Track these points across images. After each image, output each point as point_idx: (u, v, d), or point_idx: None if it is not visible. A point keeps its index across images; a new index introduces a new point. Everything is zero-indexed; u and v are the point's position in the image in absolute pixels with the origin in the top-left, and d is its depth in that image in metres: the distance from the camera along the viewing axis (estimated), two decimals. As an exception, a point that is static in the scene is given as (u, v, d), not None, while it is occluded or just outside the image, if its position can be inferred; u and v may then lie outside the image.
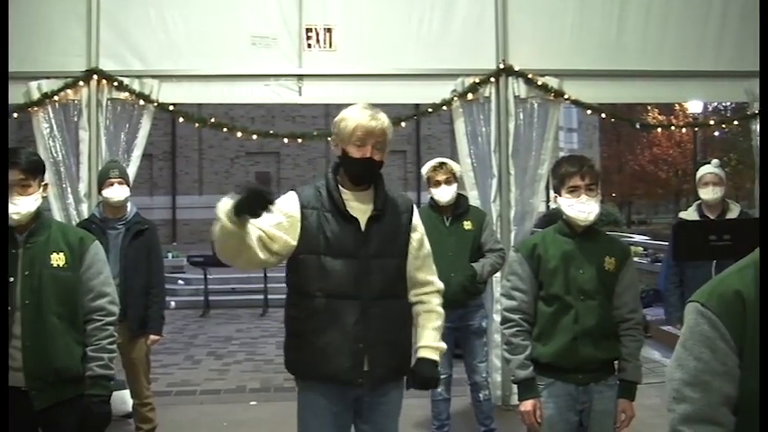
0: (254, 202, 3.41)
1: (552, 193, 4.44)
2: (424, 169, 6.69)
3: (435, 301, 4.15)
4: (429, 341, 4.06)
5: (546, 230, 4.54)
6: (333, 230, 3.82)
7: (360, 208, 3.89)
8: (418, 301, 4.09)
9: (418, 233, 4.06)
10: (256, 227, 3.67)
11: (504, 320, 4.43)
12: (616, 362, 4.39)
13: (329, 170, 3.97)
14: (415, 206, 4.12)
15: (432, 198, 6.64)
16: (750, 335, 2.13)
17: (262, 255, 3.73)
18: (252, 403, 8.72)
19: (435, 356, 4.06)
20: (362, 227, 3.85)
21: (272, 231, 3.77)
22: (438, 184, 6.53)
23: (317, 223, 3.83)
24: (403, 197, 4.10)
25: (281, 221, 3.80)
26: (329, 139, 3.99)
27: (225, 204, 3.47)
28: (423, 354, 4.03)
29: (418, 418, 7.40)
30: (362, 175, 3.88)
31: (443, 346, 4.14)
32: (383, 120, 3.86)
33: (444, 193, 6.53)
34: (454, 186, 6.60)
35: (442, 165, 6.61)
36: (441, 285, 4.19)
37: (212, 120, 8.51)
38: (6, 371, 3.76)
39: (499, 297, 7.61)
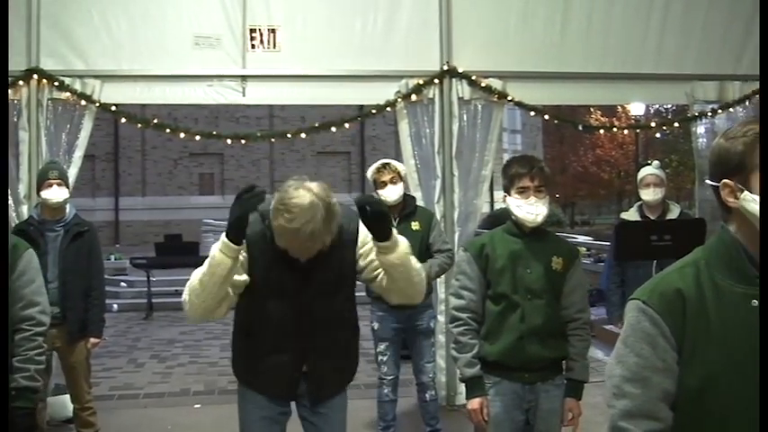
0: (249, 201, 3.45)
1: (502, 193, 4.46)
2: (369, 172, 6.71)
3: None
4: None
5: (495, 230, 4.53)
6: (275, 272, 3.73)
7: None
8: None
9: (366, 247, 3.83)
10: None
11: (453, 319, 4.43)
12: (564, 361, 4.42)
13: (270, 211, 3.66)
14: (360, 223, 3.80)
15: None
16: (689, 332, 2.18)
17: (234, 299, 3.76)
18: (196, 406, 8.65)
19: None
20: (303, 269, 3.73)
21: (235, 279, 3.69)
22: (384, 184, 6.55)
23: (261, 263, 3.72)
24: (349, 219, 3.81)
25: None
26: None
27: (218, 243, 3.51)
28: None
29: (364, 419, 7.40)
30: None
31: (402, 242, 3.72)
32: (304, 236, 3.45)
33: (391, 193, 6.54)
34: (400, 186, 6.62)
35: (385, 165, 6.64)
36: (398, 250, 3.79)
37: (155, 120, 8.43)
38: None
39: (444, 298, 7.67)
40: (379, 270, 3.81)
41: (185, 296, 3.67)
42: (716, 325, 2.17)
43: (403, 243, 3.69)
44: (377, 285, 3.89)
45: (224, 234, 3.50)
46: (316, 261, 3.71)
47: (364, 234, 3.84)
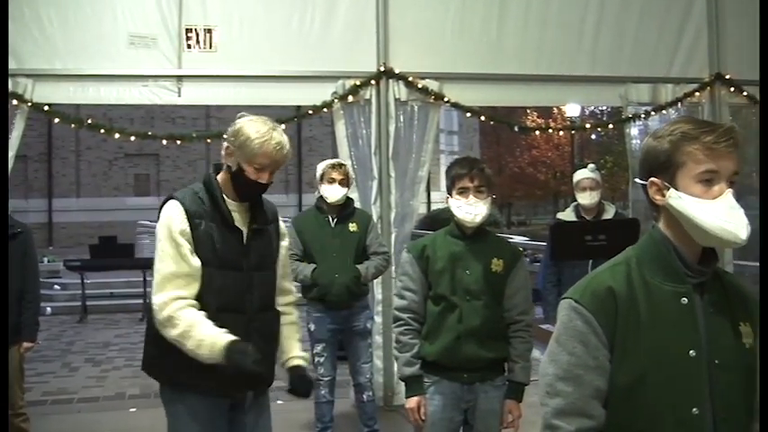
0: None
1: (441, 194, 4.51)
2: (322, 165, 6.72)
3: (296, 313, 4.23)
4: (299, 352, 4.09)
5: (438, 232, 4.60)
6: (219, 242, 3.73)
7: (242, 219, 3.82)
8: (283, 311, 4.07)
9: (285, 241, 4.09)
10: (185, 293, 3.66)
11: (395, 319, 4.49)
12: (505, 362, 4.46)
13: (211, 176, 3.83)
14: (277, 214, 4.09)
15: (319, 198, 6.67)
16: (620, 330, 2.23)
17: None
18: (132, 410, 8.56)
19: (305, 365, 4.10)
20: (245, 239, 3.80)
21: (189, 271, 3.68)
22: (332, 181, 6.56)
23: (205, 234, 3.71)
24: (269, 205, 4.03)
25: (184, 249, 3.67)
26: (224, 144, 3.83)
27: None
28: (298, 362, 4.04)
29: (301, 420, 7.36)
30: (252, 195, 3.83)
31: (308, 356, 4.17)
32: (286, 147, 3.74)
33: (336, 192, 6.56)
34: (346, 189, 6.65)
35: (341, 165, 6.72)
36: (298, 295, 4.27)
37: (89, 121, 8.31)
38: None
39: (381, 299, 7.71)
40: (283, 277, 4.06)
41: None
42: (646, 323, 2.23)
43: None
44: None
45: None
46: (254, 233, 3.83)
47: (283, 226, 4.09)
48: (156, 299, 3.62)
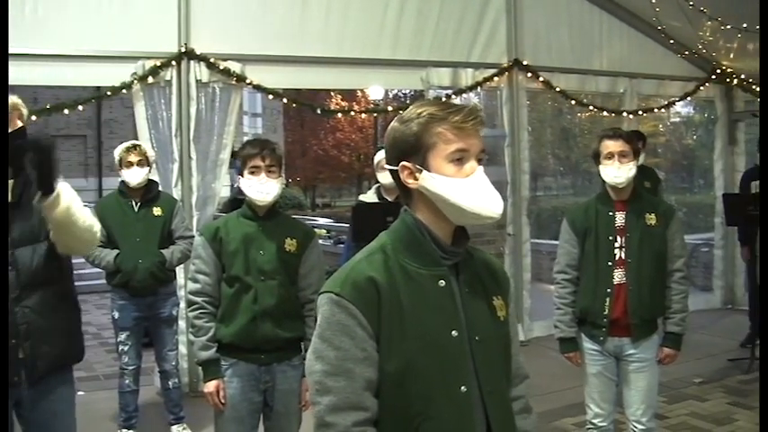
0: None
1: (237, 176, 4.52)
2: (117, 151, 6.62)
3: None
4: None
5: (230, 214, 4.62)
6: None
7: (13, 197, 3.66)
8: None
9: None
10: None
11: (189, 303, 4.49)
12: (302, 342, 4.52)
13: None
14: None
15: (121, 182, 6.56)
16: (384, 319, 2.25)
17: None
18: None
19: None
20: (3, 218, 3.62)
21: None
22: (130, 165, 6.49)
23: None
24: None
25: None
26: None
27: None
28: None
29: (104, 411, 7.16)
30: None
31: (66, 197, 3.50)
32: None
33: (136, 175, 6.48)
34: (146, 170, 6.56)
35: (136, 147, 6.60)
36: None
37: None
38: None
39: (184, 284, 7.62)
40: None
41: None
42: (409, 309, 2.26)
43: (66, 199, 3.49)
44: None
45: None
46: (14, 208, 3.64)
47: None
48: None
